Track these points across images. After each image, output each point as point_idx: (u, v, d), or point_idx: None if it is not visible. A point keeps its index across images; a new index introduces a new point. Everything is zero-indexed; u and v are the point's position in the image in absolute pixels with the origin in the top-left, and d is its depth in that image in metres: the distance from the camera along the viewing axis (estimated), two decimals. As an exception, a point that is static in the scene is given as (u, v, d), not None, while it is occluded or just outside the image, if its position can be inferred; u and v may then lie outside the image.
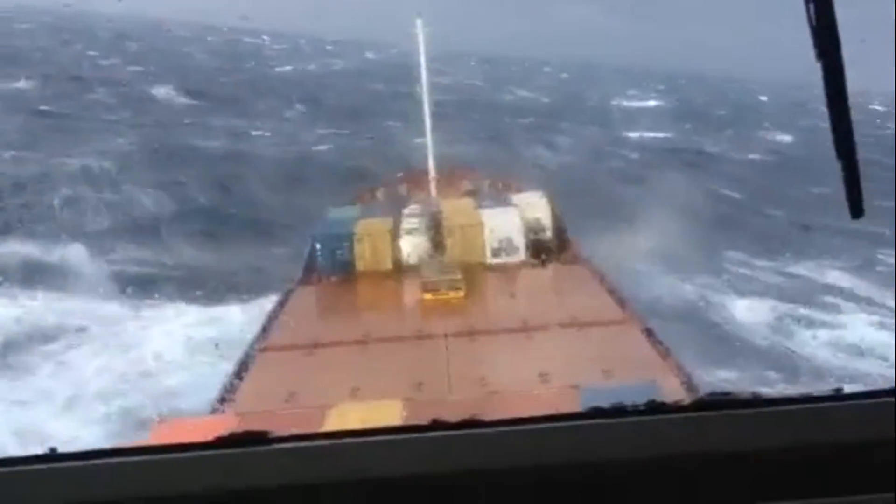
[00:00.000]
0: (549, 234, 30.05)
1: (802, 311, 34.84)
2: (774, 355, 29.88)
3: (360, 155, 55.41)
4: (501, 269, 28.28)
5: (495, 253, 28.67)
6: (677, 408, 1.91)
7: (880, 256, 42.93)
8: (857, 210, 2.04)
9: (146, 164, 50.97)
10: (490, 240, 28.68)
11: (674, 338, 21.33)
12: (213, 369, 22.72)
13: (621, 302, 23.79)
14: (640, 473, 1.76)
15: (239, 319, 28.45)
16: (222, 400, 18.99)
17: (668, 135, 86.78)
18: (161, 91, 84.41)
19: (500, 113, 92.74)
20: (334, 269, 28.61)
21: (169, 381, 24.24)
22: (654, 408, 1.86)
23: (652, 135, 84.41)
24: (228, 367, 20.97)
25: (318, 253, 28.98)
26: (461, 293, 25.22)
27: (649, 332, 21.16)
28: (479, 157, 48.52)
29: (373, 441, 1.83)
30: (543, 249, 29.26)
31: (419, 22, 35.51)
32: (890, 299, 32.47)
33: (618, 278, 26.48)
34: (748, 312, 34.07)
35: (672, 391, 16.16)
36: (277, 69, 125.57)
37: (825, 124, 2.03)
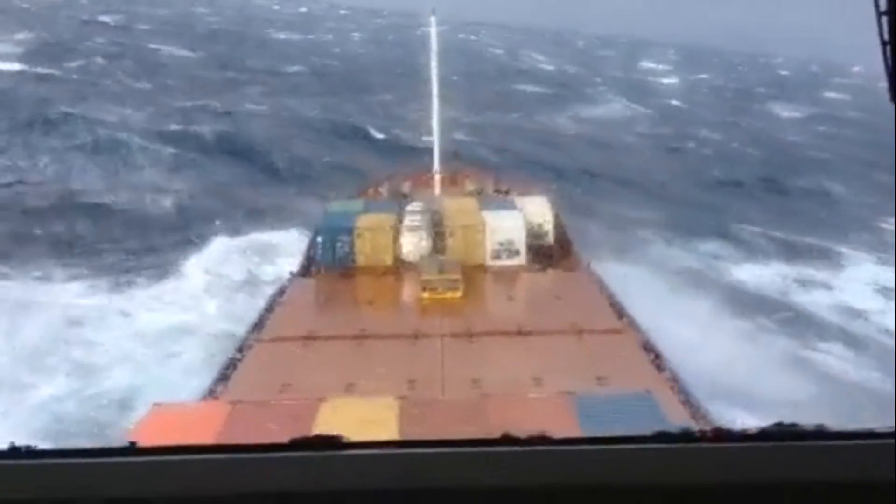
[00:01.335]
0: (550, 239, 30.04)
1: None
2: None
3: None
4: (501, 272, 28.25)
5: (495, 255, 28.63)
6: (698, 438, 1.89)
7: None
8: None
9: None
10: (491, 242, 28.65)
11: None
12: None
13: (620, 311, 23.76)
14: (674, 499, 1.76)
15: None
16: (215, 387, 18.99)
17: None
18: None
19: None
20: (334, 262, 28.59)
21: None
22: (722, 435, 1.87)
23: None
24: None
25: (319, 245, 28.97)
26: (459, 293, 25.20)
27: (646, 343, 21.14)
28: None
29: (435, 452, 1.83)
30: (544, 254, 29.23)
31: (433, 20, 35.45)
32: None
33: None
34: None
35: (667, 403, 16.14)
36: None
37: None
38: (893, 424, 1.85)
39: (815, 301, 37.52)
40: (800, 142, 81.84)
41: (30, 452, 1.87)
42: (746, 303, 34.55)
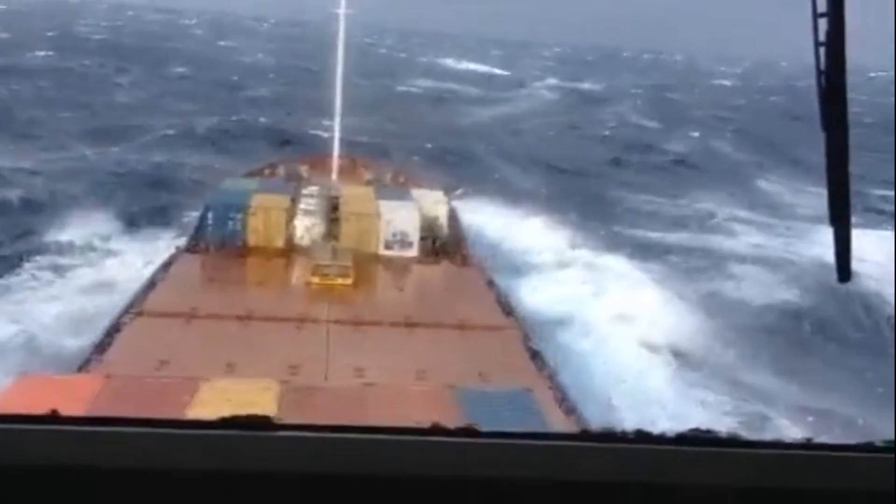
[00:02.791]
0: (444, 232, 30.22)
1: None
2: None
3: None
4: (393, 262, 28.27)
5: (388, 245, 28.62)
6: (666, 439, 1.93)
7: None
8: (844, 274, 2.11)
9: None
10: (385, 231, 28.61)
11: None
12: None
13: (507, 309, 24.13)
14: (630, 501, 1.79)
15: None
16: (90, 360, 18.36)
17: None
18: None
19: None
20: (224, 239, 28.02)
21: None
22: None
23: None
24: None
25: (209, 221, 28.33)
26: (349, 281, 25.09)
27: (529, 342, 21.53)
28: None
29: (374, 439, 1.82)
30: (437, 248, 29.40)
31: (343, 2, 35.13)
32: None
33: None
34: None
35: (545, 401, 16.49)
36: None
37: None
38: (894, 437, 1.91)
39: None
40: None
41: None
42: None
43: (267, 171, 36.58)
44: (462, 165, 52.88)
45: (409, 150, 52.96)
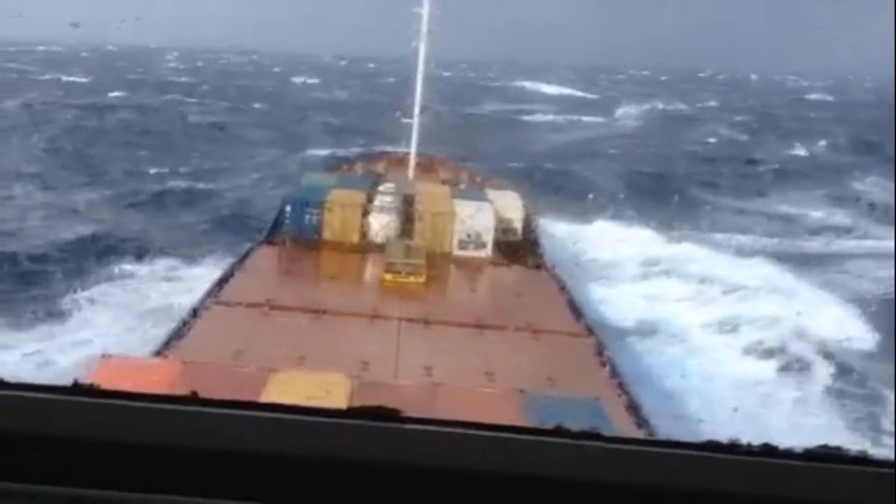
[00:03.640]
0: (518, 235, 30.17)
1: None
2: None
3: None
4: (465, 263, 28.33)
5: (462, 245, 28.70)
6: (601, 437, 1.94)
7: None
8: None
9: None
10: (459, 232, 28.69)
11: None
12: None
13: (578, 314, 23.95)
14: (558, 496, 1.79)
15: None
16: (168, 344, 18.86)
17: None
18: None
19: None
20: (301, 233, 28.50)
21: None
22: (595, 435, 1.90)
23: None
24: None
25: (288, 215, 28.83)
26: (422, 279, 25.23)
27: (600, 349, 21.35)
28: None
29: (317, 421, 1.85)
30: (510, 250, 29.36)
31: (426, 1, 35.23)
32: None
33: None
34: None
35: (614, 409, 16.34)
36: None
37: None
38: (894, 453, 1.88)
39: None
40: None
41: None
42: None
43: (345, 168, 37.04)
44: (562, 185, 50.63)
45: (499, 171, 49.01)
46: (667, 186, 53.77)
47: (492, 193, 32.34)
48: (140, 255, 30.93)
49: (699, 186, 56.42)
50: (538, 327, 22.16)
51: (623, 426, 15.70)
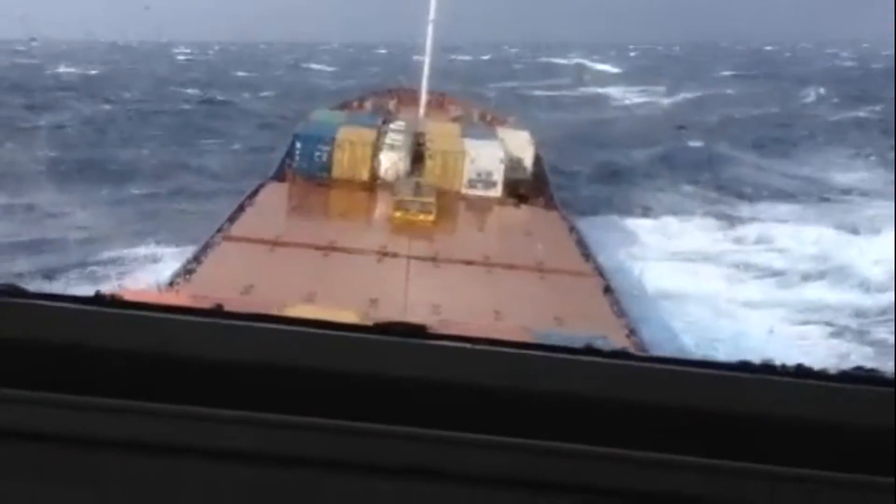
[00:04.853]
0: (528, 174, 30.01)
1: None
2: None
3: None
4: (475, 202, 28.26)
5: (472, 184, 28.59)
6: (631, 356, 1.94)
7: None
8: None
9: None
10: (469, 170, 28.56)
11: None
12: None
13: (587, 255, 23.96)
14: (588, 413, 1.79)
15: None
16: (177, 279, 18.98)
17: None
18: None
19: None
20: (310, 170, 28.42)
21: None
22: (625, 354, 1.90)
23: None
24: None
25: (297, 151, 28.73)
26: (431, 217, 25.21)
27: (608, 290, 21.38)
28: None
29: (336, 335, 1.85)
30: (520, 189, 29.25)
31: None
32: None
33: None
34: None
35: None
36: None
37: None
38: (894, 374, 1.88)
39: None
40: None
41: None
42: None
43: (355, 105, 36.76)
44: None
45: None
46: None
47: (502, 132, 32.10)
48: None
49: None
50: (547, 267, 22.19)
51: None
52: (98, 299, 1.89)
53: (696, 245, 30.77)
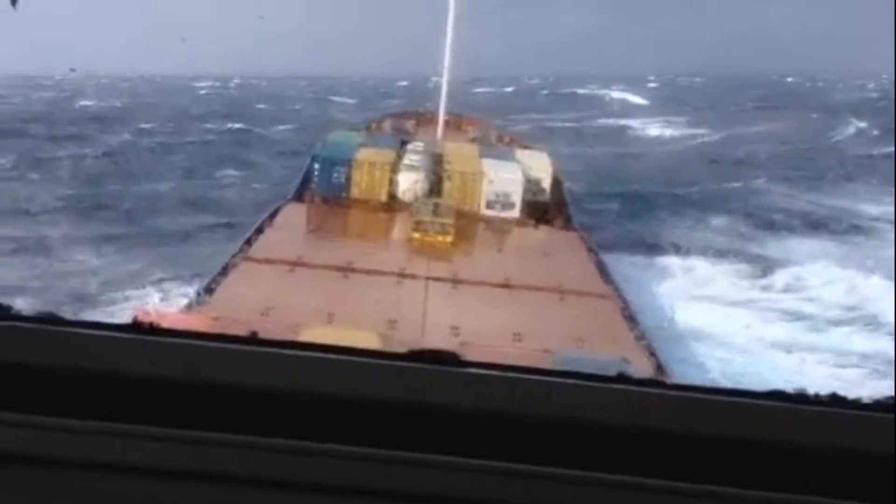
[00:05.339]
0: (547, 196, 30.00)
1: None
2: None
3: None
4: (493, 223, 28.25)
5: (490, 205, 28.61)
6: (661, 384, 1.93)
7: None
8: None
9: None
10: (487, 191, 28.58)
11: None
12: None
13: (606, 276, 23.87)
14: (616, 441, 1.78)
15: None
16: (198, 300, 19.05)
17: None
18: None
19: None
20: (329, 191, 28.54)
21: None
22: (657, 382, 1.88)
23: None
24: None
25: (316, 173, 28.87)
26: (450, 238, 25.22)
27: (628, 311, 21.28)
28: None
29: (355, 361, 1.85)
30: (539, 211, 29.23)
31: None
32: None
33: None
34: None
35: (642, 371, 16.30)
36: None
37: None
38: (894, 396, 1.86)
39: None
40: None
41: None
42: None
43: (374, 126, 36.93)
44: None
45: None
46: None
47: (520, 153, 32.14)
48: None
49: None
50: (566, 288, 22.11)
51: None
52: (133, 327, 1.89)
53: (724, 290, 29.41)
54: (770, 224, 39.68)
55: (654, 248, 32.97)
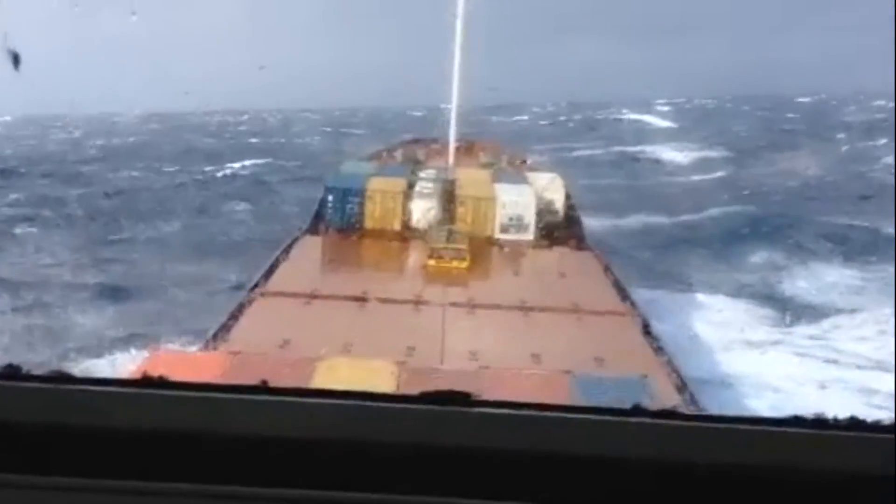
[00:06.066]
0: (560, 217, 29.99)
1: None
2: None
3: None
4: (508, 246, 28.26)
5: (504, 229, 28.63)
6: (678, 415, 1.90)
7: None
8: None
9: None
10: (501, 215, 28.62)
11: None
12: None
13: (623, 294, 23.77)
14: (636, 476, 1.75)
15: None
16: (216, 337, 19.09)
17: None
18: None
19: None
20: (343, 222, 28.64)
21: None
22: (671, 413, 1.86)
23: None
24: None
25: (329, 204, 29.00)
26: (465, 264, 25.23)
27: (646, 328, 21.17)
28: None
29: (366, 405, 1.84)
30: (552, 232, 29.21)
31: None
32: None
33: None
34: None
35: (663, 388, 16.19)
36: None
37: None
38: (894, 418, 1.84)
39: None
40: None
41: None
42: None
43: (385, 155, 37.10)
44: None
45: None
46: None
47: (532, 175, 32.18)
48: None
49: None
50: (583, 308, 22.03)
51: (672, 404, 15.55)
52: (142, 381, 1.90)
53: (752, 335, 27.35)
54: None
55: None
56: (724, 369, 23.40)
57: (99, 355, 22.40)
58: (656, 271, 33.37)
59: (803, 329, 28.01)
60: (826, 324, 28.39)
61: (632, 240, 38.79)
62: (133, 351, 21.52)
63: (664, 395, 15.67)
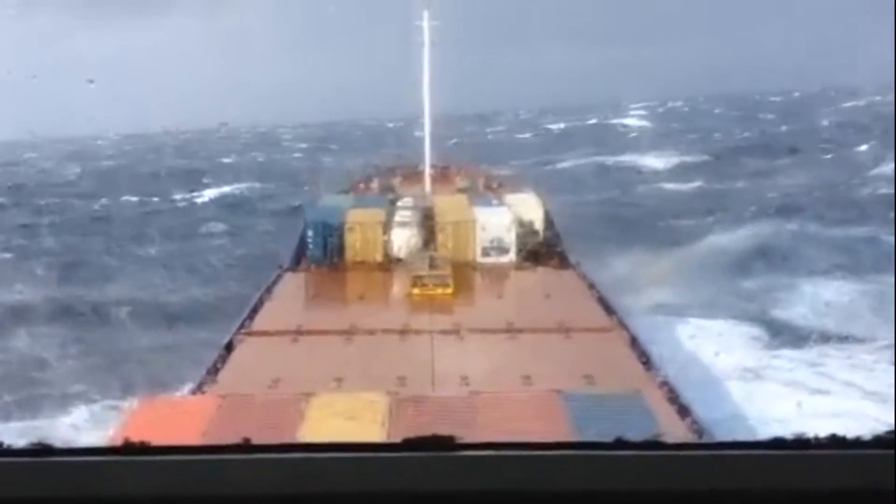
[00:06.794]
0: (540, 236, 30.08)
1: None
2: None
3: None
4: (490, 269, 28.27)
5: (485, 252, 28.67)
6: (674, 445, 1.91)
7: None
8: None
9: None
10: (481, 239, 28.66)
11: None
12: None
13: (608, 309, 23.80)
14: None
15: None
16: (205, 381, 18.92)
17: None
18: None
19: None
20: (324, 256, 28.60)
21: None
22: (654, 443, 1.86)
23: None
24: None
25: (310, 239, 28.95)
26: (449, 290, 25.22)
27: (635, 342, 21.18)
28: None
29: (350, 457, 1.84)
30: (534, 252, 29.27)
31: (426, 14, 35.26)
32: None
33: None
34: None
35: (656, 403, 16.18)
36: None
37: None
38: (894, 433, 1.85)
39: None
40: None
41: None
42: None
43: (361, 186, 37.14)
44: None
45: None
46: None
47: (510, 197, 32.28)
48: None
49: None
50: (570, 326, 22.05)
51: (667, 418, 15.55)
52: (123, 449, 1.88)
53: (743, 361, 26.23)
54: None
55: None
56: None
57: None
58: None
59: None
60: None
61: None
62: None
63: (659, 410, 15.68)
